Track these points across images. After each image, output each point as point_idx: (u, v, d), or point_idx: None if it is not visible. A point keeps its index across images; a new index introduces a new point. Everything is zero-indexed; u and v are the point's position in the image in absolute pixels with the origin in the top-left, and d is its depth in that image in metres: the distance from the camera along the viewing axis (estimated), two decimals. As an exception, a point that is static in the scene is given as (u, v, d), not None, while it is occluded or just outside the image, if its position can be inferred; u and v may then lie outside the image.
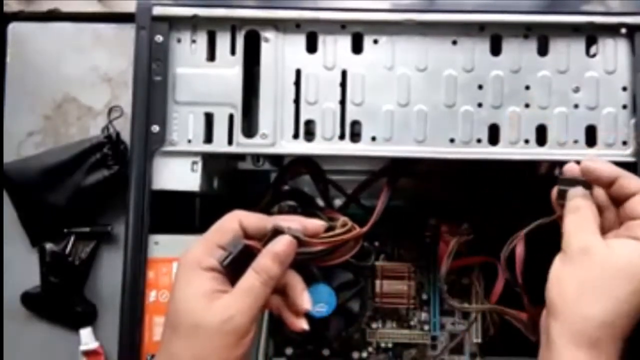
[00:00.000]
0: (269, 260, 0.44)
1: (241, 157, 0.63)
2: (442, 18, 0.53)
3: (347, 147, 0.53)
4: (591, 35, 0.53)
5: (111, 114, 0.59)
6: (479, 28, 0.53)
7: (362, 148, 0.53)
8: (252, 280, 0.43)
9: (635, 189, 0.46)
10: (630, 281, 0.43)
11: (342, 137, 0.53)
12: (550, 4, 0.53)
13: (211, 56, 0.54)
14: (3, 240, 0.59)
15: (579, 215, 0.46)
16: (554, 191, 0.49)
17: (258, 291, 0.43)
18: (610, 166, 0.48)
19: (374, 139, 0.53)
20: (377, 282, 0.61)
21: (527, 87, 0.53)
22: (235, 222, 0.45)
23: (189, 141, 0.53)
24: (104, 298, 0.58)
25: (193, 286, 0.43)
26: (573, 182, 0.48)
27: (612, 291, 0.43)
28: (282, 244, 0.44)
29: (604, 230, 0.47)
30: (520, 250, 0.55)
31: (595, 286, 0.43)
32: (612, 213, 0.48)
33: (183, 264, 0.44)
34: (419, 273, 0.61)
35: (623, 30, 0.53)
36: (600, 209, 0.47)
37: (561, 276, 0.45)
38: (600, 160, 0.49)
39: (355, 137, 0.53)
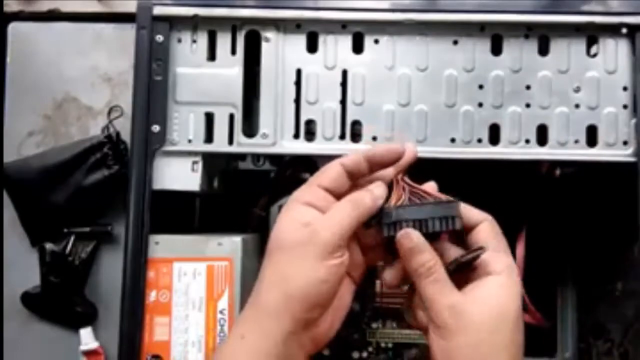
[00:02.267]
0: (363, 192, 0.45)
1: (241, 157, 0.63)
2: (442, 18, 0.53)
3: (347, 147, 0.53)
4: (592, 35, 0.53)
5: (111, 114, 0.59)
6: (480, 28, 0.53)
7: (363, 148, 0.53)
8: (342, 203, 0.45)
9: (479, 218, 0.45)
10: (513, 321, 0.42)
11: (342, 137, 0.53)
12: (551, 4, 0.53)
13: (212, 56, 0.54)
14: (3, 240, 0.59)
15: (434, 277, 0.43)
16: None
17: (344, 211, 0.44)
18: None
19: (374, 139, 0.53)
20: (377, 282, 0.61)
21: (528, 87, 0.53)
22: (337, 166, 0.46)
23: (190, 141, 0.53)
24: (104, 298, 0.58)
25: (290, 215, 0.45)
26: None
27: (503, 343, 0.42)
28: (379, 187, 0.46)
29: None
30: (520, 250, 0.55)
31: (489, 349, 0.41)
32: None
33: (288, 201, 0.46)
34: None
35: (624, 30, 0.53)
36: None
37: (449, 354, 0.42)
38: None
39: (356, 137, 0.53)
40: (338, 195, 0.46)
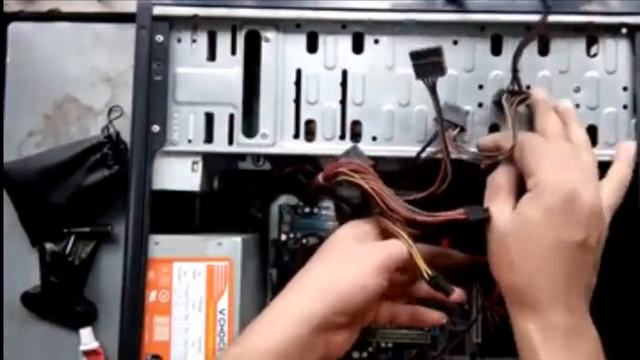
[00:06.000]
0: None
1: (241, 157, 0.63)
2: (442, 18, 0.53)
3: (347, 147, 0.53)
4: (592, 35, 0.53)
5: (111, 114, 0.59)
6: (480, 28, 0.53)
7: (363, 148, 0.53)
8: (397, 242, 0.48)
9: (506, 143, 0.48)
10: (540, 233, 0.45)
11: (342, 137, 0.53)
12: (551, 4, 0.53)
13: (211, 56, 0.54)
14: (3, 240, 0.59)
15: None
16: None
17: (398, 247, 0.48)
18: (542, 98, 0.51)
19: (374, 138, 0.53)
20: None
21: (528, 87, 0.53)
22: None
23: (190, 141, 0.53)
24: (104, 298, 0.58)
25: (352, 228, 0.49)
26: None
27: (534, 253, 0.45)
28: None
29: None
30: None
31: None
32: None
33: (350, 223, 0.50)
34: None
35: (624, 30, 0.53)
36: None
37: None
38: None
39: (356, 137, 0.53)
40: None
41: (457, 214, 0.48)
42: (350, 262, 0.47)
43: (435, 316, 0.52)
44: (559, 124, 0.49)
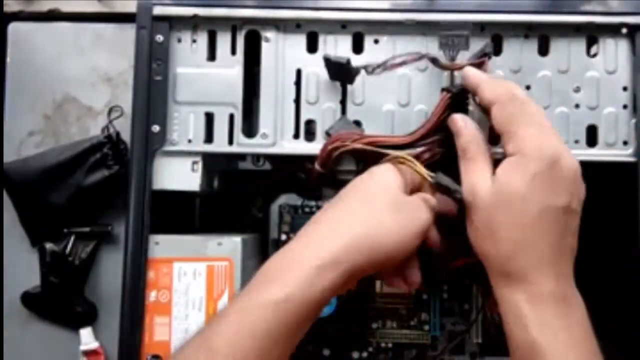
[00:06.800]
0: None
1: (241, 157, 0.63)
2: (442, 18, 0.53)
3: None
4: (592, 35, 0.53)
5: (111, 114, 0.59)
6: (480, 28, 0.53)
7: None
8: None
9: (489, 101, 0.47)
10: (517, 200, 0.44)
11: (342, 137, 0.53)
12: (551, 4, 0.53)
13: (212, 56, 0.54)
14: (3, 240, 0.59)
15: (468, 157, 0.47)
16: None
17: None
18: (473, 74, 0.49)
19: (374, 138, 0.53)
20: (377, 282, 0.61)
21: (528, 87, 0.53)
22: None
23: (190, 141, 0.53)
24: (104, 298, 0.58)
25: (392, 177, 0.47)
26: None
27: (508, 222, 0.44)
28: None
29: None
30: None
31: (496, 227, 0.44)
32: None
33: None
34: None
35: (624, 30, 0.53)
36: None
37: (470, 229, 0.47)
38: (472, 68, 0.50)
39: (356, 136, 0.53)
40: None
41: (443, 98, 0.49)
42: (398, 218, 0.44)
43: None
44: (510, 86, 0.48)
